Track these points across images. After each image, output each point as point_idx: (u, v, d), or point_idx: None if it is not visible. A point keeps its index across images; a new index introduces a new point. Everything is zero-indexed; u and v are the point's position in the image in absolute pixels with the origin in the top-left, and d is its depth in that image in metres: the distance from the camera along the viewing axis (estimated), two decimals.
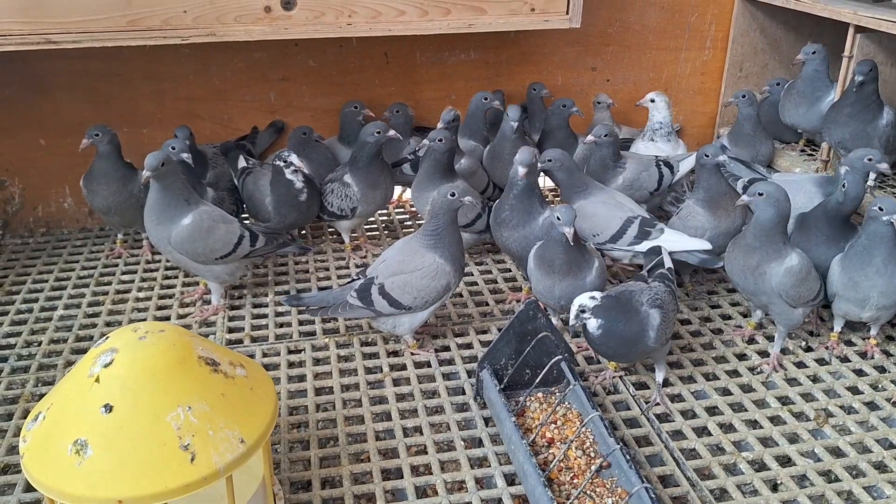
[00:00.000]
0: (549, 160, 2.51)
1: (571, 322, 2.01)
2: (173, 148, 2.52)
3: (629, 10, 3.35)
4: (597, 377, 2.23)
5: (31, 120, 3.02)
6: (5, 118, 3.00)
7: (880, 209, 2.10)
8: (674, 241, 2.45)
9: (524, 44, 3.33)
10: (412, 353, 2.33)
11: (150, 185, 2.36)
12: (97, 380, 1.42)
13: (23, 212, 3.14)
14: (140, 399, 1.40)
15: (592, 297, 2.00)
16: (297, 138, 2.95)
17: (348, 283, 2.37)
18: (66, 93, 3.01)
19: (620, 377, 2.23)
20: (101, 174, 2.70)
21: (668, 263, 2.25)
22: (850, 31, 2.77)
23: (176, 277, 2.77)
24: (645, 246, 2.44)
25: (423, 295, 2.22)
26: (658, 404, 2.11)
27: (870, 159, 2.34)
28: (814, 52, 2.90)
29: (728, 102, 3.07)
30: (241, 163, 2.89)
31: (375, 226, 3.20)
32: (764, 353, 2.34)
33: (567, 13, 2.75)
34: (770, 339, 2.39)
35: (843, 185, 2.23)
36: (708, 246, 2.45)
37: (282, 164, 2.68)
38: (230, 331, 2.49)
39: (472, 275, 2.81)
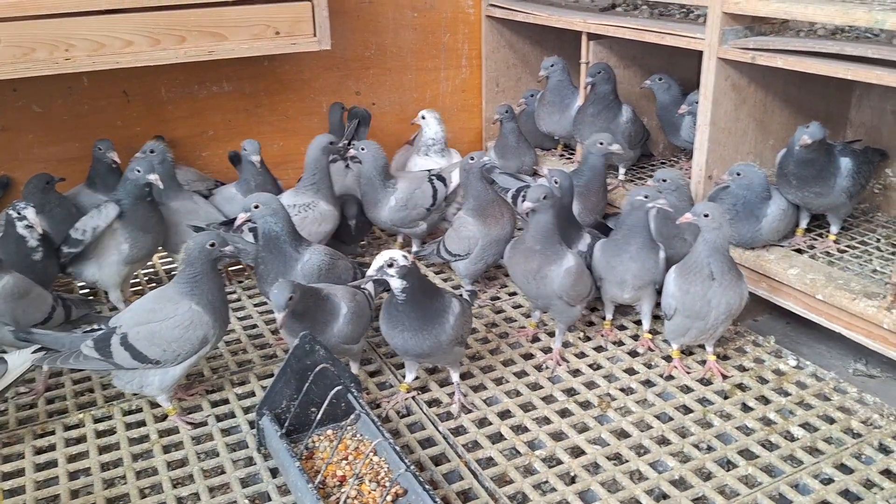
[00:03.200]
0: None
1: (371, 272, 1.93)
2: None
3: (383, 33, 3.36)
4: (388, 401, 2.13)
5: None
6: None
7: (645, 197, 2.20)
8: None
9: (281, 71, 3.22)
10: (179, 420, 2.08)
11: None
12: None
13: None
14: None
15: (405, 257, 1.92)
16: (36, 189, 2.58)
17: (88, 330, 2.06)
18: None
19: (413, 398, 2.15)
20: None
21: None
22: (584, 38, 2.96)
23: None
24: None
25: (175, 347, 1.97)
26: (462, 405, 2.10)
27: (601, 143, 2.58)
28: (552, 65, 3.07)
29: (494, 119, 3.14)
30: None
31: (138, 280, 2.90)
32: (548, 350, 2.38)
33: (314, 35, 2.67)
34: (551, 334, 2.44)
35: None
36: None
37: (14, 214, 2.32)
38: None
39: (251, 317, 2.61)
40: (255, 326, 2.57)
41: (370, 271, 1.96)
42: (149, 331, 1.95)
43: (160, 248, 2.68)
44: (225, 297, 2.08)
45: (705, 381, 2.22)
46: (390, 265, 1.91)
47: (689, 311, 2.10)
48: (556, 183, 2.40)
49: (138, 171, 2.41)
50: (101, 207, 2.44)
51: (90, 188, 2.80)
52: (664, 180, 2.34)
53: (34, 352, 1.98)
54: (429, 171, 2.96)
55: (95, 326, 2.04)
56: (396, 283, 1.92)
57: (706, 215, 2.05)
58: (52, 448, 2.00)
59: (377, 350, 2.40)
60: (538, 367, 2.30)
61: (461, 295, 2.15)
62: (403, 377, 2.17)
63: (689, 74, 2.99)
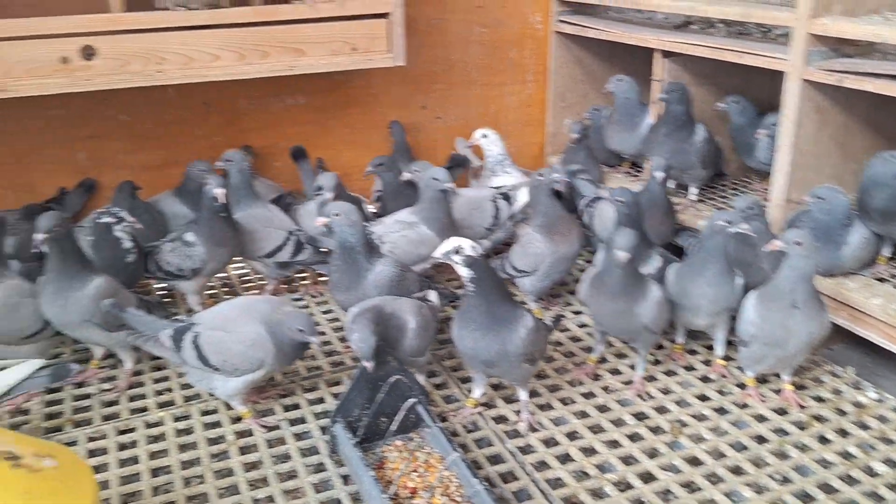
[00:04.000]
0: None
1: (437, 253, 1.96)
2: None
3: (452, 49, 3.40)
4: (455, 415, 2.15)
5: None
6: None
7: (727, 222, 2.14)
8: None
9: (351, 86, 3.29)
10: (254, 423, 2.14)
11: None
12: None
13: None
14: None
15: (473, 248, 1.94)
16: (126, 194, 2.71)
17: (174, 319, 2.15)
18: None
19: (480, 413, 2.17)
20: None
21: None
22: (657, 56, 2.94)
23: None
24: None
25: (233, 360, 2.02)
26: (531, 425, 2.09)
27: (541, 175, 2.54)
28: (619, 80, 3.06)
29: (573, 138, 3.12)
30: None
31: (211, 283, 2.98)
32: (615, 371, 2.37)
33: (389, 51, 2.73)
34: (618, 356, 2.43)
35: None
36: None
37: (112, 219, 2.43)
38: (48, 417, 2.19)
39: (320, 324, 2.67)
40: (322, 333, 2.62)
41: (436, 252, 1.99)
42: (217, 338, 2.02)
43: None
44: (298, 343, 2.06)
45: (781, 411, 2.17)
46: (457, 251, 1.93)
47: (768, 338, 2.07)
48: (620, 202, 2.39)
49: (209, 185, 2.50)
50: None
51: (177, 197, 2.90)
52: (750, 208, 2.29)
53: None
54: (497, 188, 2.98)
55: (181, 317, 2.12)
56: (463, 272, 1.95)
57: (798, 243, 1.99)
58: (133, 444, 2.07)
59: (442, 363, 2.42)
60: (605, 389, 2.29)
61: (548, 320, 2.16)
62: (469, 392, 2.19)
63: (763, 94, 2.95)
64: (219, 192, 2.46)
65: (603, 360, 2.42)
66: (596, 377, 2.35)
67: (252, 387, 2.10)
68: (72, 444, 2.06)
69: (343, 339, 2.56)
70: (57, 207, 2.81)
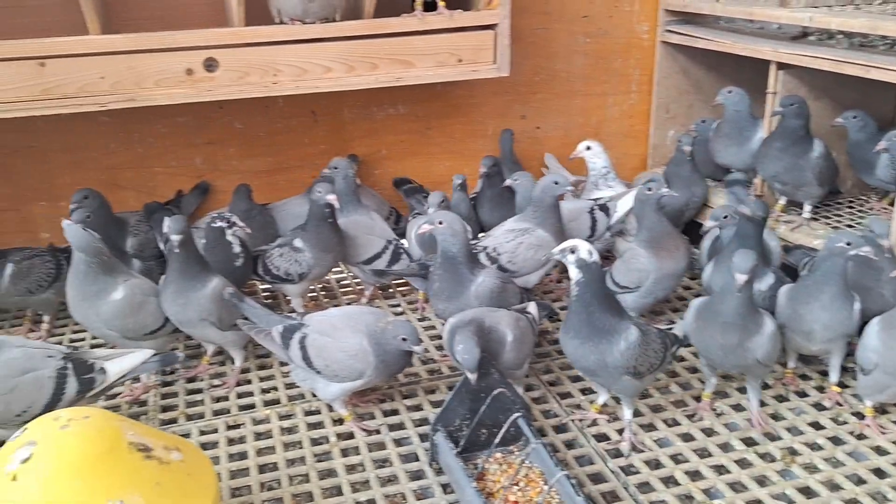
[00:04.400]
0: None
1: (555, 250, 1.98)
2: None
3: (555, 59, 3.39)
4: (573, 413, 2.19)
5: None
6: None
7: (847, 244, 2.04)
8: None
9: (452, 95, 3.32)
10: (355, 426, 2.19)
11: (72, 258, 2.24)
12: (14, 478, 1.28)
13: None
14: (64, 498, 1.26)
15: (590, 252, 1.95)
16: (244, 197, 2.87)
17: (288, 315, 2.24)
18: None
19: (577, 425, 2.15)
20: None
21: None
22: (772, 68, 2.84)
23: None
24: None
25: (335, 367, 2.07)
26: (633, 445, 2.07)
27: (649, 189, 2.48)
28: (730, 92, 2.96)
29: (685, 150, 3.03)
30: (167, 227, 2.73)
31: (313, 287, 3.07)
32: (722, 394, 2.30)
33: (494, 62, 2.75)
34: (725, 377, 2.35)
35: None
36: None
37: (224, 224, 2.54)
38: (163, 409, 2.31)
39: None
40: (420, 341, 2.65)
41: (555, 249, 2.01)
42: (322, 343, 2.09)
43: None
44: (401, 353, 2.09)
45: None
46: (572, 251, 1.94)
47: (891, 367, 1.96)
48: (750, 216, 2.33)
49: (319, 193, 2.57)
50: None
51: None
52: (872, 231, 2.19)
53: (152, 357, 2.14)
54: (595, 200, 2.95)
55: (294, 315, 2.21)
56: (574, 273, 1.95)
57: None
58: (242, 440, 2.16)
59: (541, 377, 2.41)
60: (714, 411, 2.22)
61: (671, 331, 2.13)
62: (565, 405, 2.22)
63: (884, 109, 2.81)
64: (331, 198, 2.53)
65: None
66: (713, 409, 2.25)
67: (352, 392, 2.15)
68: (185, 435, 2.16)
69: (440, 348, 2.59)
70: (175, 209, 2.97)
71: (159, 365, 2.19)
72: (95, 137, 2.92)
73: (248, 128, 3.09)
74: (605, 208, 2.88)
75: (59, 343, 2.50)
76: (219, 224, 2.53)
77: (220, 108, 2.99)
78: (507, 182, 2.83)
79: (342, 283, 3.10)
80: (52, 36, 2.34)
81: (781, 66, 2.82)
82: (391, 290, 3.01)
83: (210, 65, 2.42)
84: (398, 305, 2.90)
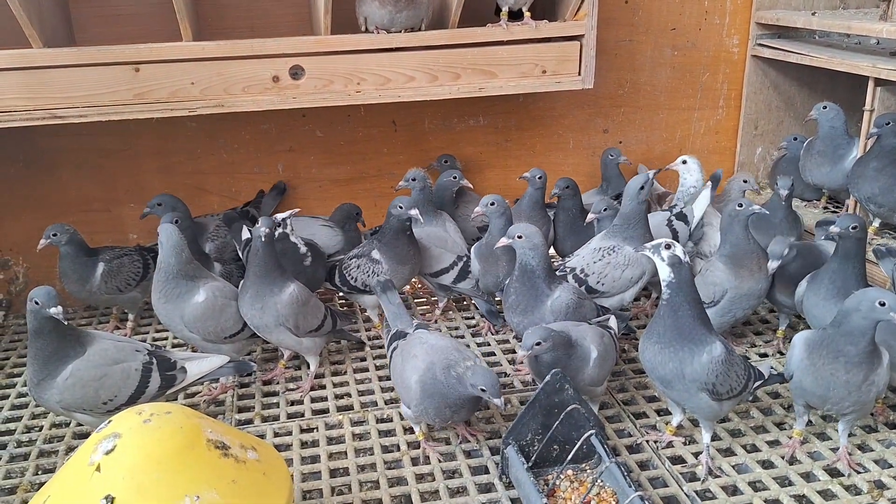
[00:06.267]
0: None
1: (648, 245, 1.95)
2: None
3: (640, 72, 3.33)
4: (648, 433, 2.14)
5: (35, 198, 2.98)
6: (9, 197, 2.97)
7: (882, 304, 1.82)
8: None
9: (533, 107, 3.30)
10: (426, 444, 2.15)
11: (158, 259, 2.33)
12: (98, 468, 1.32)
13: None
14: (144, 489, 1.29)
15: (684, 252, 1.92)
16: (346, 215, 3.00)
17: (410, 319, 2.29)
18: (71, 170, 2.97)
19: (653, 446, 2.09)
20: (64, 273, 2.65)
21: None
22: (871, 84, 2.71)
23: None
24: None
25: (401, 389, 2.11)
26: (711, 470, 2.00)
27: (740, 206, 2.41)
28: (825, 108, 2.84)
29: (776, 190, 2.80)
30: (245, 234, 2.79)
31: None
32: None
33: (579, 74, 2.71)
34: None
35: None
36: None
37: (280, 228, 2.56)
38: (240, 410, 2.37)
39: (489, 344, 2.69)
40: (492, 354, 2.64)
41: (647, 244, 1.96)
42: (395, 362, 2.13)
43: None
44: (470, 398, 1.97)
45: None
46: (668, 247, 1.90)
47: None
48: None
49: (400, 208, 2.58)
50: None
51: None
52: None
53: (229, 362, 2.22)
54: (670, 209, 2.87)
55: (414, 321, 2.26)
56: (664, 272, 1.90)
57: None
58: (315, 444, 2.19)
59: (615, 396, 2.36)
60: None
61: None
62: (639, 426, 2.16)
63: None
64: (414, 213, 2.55)
65: (790, 407, 2.25)
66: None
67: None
68: (260, 436, 2.20)
69: (512, 362, 2.56)
70: (253, 210, 3.04)
71: (234, 371, 2.24)
72: (183, 142, 3.02)
73: (328, 136, 3.14)
74: (682, 216, 2.80)
75: (143, 341, 2.59)
76: (280, 231, 2.55)
77: (303, 116, 3.06)
78: (590, 217, 2.75)
79: (416, 295, 3.11)
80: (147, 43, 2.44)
81: (880, 82, 2.69)
82: (465, 303, 3.00)
83: (296, 72, 2.48)
84: (472, 318, 2.89)
